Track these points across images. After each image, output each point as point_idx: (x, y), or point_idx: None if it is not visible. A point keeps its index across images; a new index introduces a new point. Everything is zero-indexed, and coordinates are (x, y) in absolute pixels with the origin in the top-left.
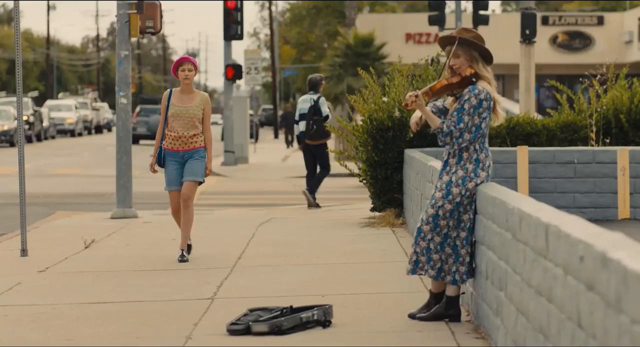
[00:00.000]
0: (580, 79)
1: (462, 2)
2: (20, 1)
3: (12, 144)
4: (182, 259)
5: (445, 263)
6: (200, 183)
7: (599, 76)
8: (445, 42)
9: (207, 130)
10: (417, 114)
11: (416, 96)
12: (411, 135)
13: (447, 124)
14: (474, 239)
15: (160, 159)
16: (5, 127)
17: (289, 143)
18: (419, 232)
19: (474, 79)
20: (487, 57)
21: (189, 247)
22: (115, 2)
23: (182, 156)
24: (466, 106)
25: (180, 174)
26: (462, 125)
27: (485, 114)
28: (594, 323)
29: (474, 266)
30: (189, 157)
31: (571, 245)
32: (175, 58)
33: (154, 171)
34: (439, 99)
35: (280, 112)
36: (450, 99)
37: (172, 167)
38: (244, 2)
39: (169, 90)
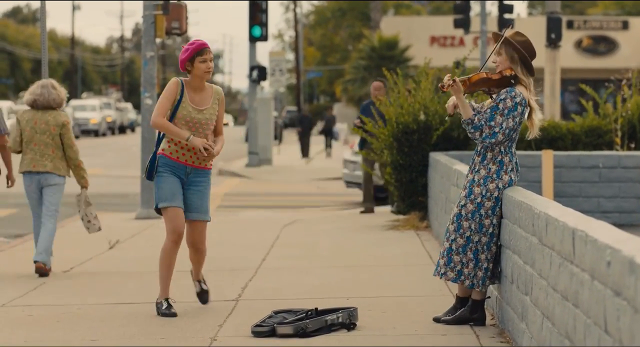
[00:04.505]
0: (606, 84)
1: (487, 5)
2: (45, 1)
3: None
4: (203, 300)
5: (465, 267)
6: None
7: (625, 81)
8: (495, 37)
9: (220, 133)
10: (453, 98)
11: (454, 81)
12: (446, 119)
13: (478, 117)
14: (499, 243)
15: (153, 170)
16: None
17: (305, 152)
18: (446, 232)
19: (512, 81)
20: (528, 66)
21: (207, 293)
22: (141, 2)
23: (186, 173)
24: (501, 106)
25: (182, 189)
26: (492, 123)
27: (518, 119)
28: (620, 328)
29: (499, 269)
30: (193, 181)
31: (598, 250)
32: None
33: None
34: (473, 99)
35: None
36: (487, 101)
37: (172, 178)
38: (269, 3)
39: (179, 80)
